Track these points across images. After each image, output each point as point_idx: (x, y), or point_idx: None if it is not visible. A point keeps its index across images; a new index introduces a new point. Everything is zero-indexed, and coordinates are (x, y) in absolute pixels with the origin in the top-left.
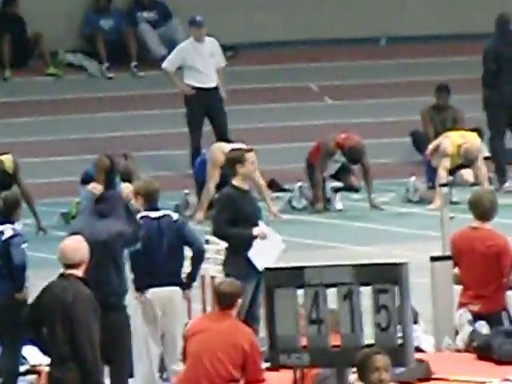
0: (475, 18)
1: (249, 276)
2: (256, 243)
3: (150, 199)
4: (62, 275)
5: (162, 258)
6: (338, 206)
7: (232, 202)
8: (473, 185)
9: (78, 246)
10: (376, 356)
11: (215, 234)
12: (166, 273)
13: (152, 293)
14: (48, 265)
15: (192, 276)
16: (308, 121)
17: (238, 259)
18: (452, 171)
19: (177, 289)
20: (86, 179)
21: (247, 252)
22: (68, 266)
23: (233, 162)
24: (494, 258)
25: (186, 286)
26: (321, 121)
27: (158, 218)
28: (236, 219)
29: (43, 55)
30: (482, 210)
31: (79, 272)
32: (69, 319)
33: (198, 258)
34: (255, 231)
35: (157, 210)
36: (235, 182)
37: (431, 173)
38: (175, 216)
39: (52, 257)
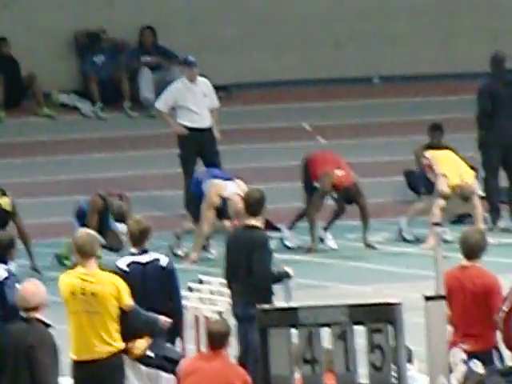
0: (469, 57)
1: None
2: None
3: (137, 240)
4: (21, 318)
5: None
6: (332, 245)
7: (269, 243)
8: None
9: (36, 290)
10: None
11: (264, 277)
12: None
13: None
14: None
15: (173, 332)
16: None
17: (270, 300)
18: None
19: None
20: (80, 213)
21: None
22: (27, 310)
23: (262, 203)
24: (483, 295)
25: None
26: None
27: (145, 264)
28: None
29: (37, 96)
30: (468, 248)
31: (39, 314)
32: (31, 362)
33: (178, 313)
34: (290, 270)
35: (146, 252)
36: (255, 222)
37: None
38: (165, 261)
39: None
